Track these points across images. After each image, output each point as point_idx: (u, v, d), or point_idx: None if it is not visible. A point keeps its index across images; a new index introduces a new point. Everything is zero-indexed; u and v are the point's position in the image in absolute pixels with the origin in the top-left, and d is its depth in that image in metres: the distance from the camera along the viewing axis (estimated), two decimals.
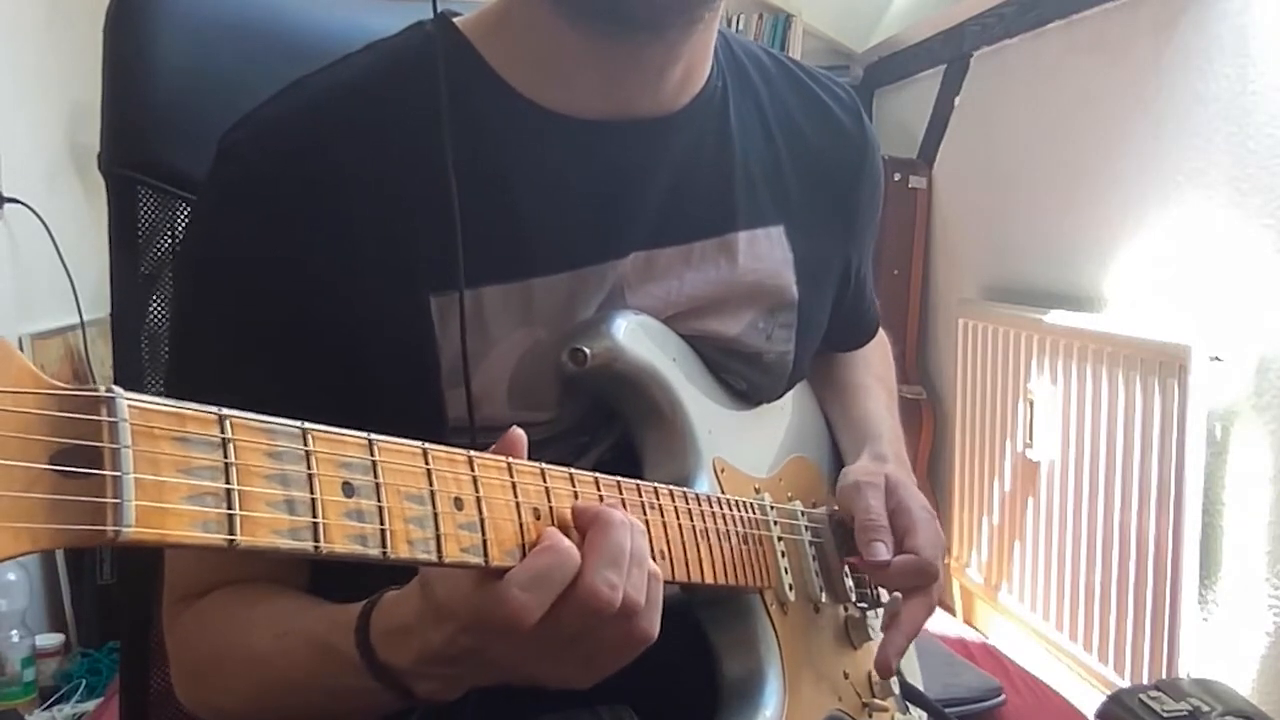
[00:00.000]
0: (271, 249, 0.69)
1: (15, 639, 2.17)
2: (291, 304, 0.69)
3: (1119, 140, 1.96)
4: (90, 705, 2.16)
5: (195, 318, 0.74)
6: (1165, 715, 1.37)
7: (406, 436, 0.50)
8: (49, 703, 2.19)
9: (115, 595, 2.31)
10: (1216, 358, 1.65)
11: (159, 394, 0.43)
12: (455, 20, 0.76)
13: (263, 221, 0.69)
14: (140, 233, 0.89)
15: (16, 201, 2.24)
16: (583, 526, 0.56)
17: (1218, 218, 1.71)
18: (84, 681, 2.23)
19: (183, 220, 0.89)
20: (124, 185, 0.88)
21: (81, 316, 2.38)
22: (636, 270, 0.76)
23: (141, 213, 0.89)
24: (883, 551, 0.78)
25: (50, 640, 2.26)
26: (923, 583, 0.80)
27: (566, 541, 0.54)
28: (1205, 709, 1.37)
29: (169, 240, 0.89)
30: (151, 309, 0.90)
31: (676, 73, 0.74)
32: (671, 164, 0.77)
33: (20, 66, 2.39)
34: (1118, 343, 1.84)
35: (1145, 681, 1.69)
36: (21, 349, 2.35)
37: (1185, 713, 1.37)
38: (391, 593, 0.60)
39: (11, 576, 2.20)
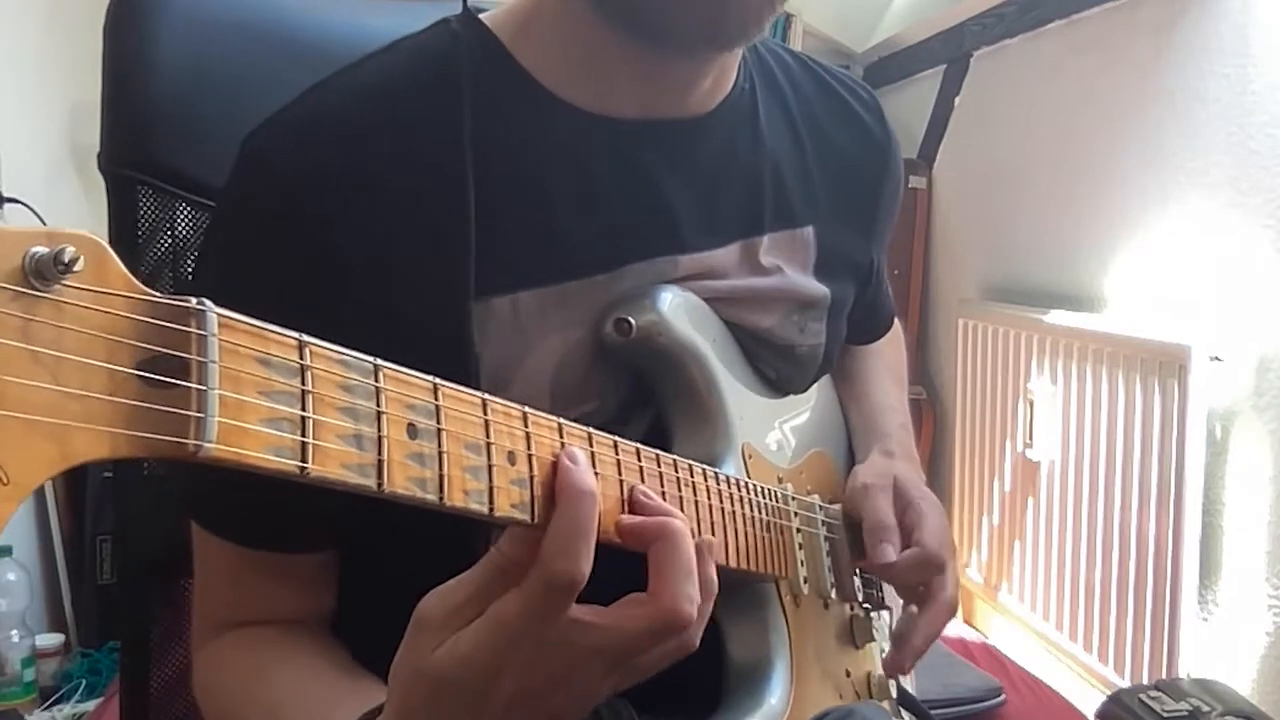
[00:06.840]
0: (301, 256, 0.66)
1: (15, 639, 2.18)
2: (322, 313, 0.68)
3: (1119, 140, 1.96)
4: (90, 705, 2.16)
5: None
6: (1165, 715, 1.38)
7: None
8: (49, 703, 2.20)
9: (115, 595, 2.31)
10: (1216, 358, 1.65)
11: None
12: (481, 17, 0.74)
13: (292, 228, 0.67)
14: (140, 233, 0.89)
15: (16, 201, 2.24)
16: (647, 541, 0.54)
17: (1218, 218, 1.71)
18: (84, 681, 2.23)
19: (183, 220, 0.89)
20: (124, 185, 0.88)
21: None
22: (673, 273, 0.75)
23: (141, 212, 0.88)
24: (890, 554, 0.79)
25: (50, 640, 2.26)
26: (928, 575, 0.80)
27: None
28: (1205, 709, 1.37)
29: (169, 240, 0.89)
30: None
31: (707, 82, 0.74)
32: (705, 165, 0.76)
33: (20, 66, 2.39)
34: (1118, 343, 1.84)
35: (1145, 681, 1.69)
36: None
37: (1185, 713, 1.38)
38: None
39: (11, 576, 2.20)
